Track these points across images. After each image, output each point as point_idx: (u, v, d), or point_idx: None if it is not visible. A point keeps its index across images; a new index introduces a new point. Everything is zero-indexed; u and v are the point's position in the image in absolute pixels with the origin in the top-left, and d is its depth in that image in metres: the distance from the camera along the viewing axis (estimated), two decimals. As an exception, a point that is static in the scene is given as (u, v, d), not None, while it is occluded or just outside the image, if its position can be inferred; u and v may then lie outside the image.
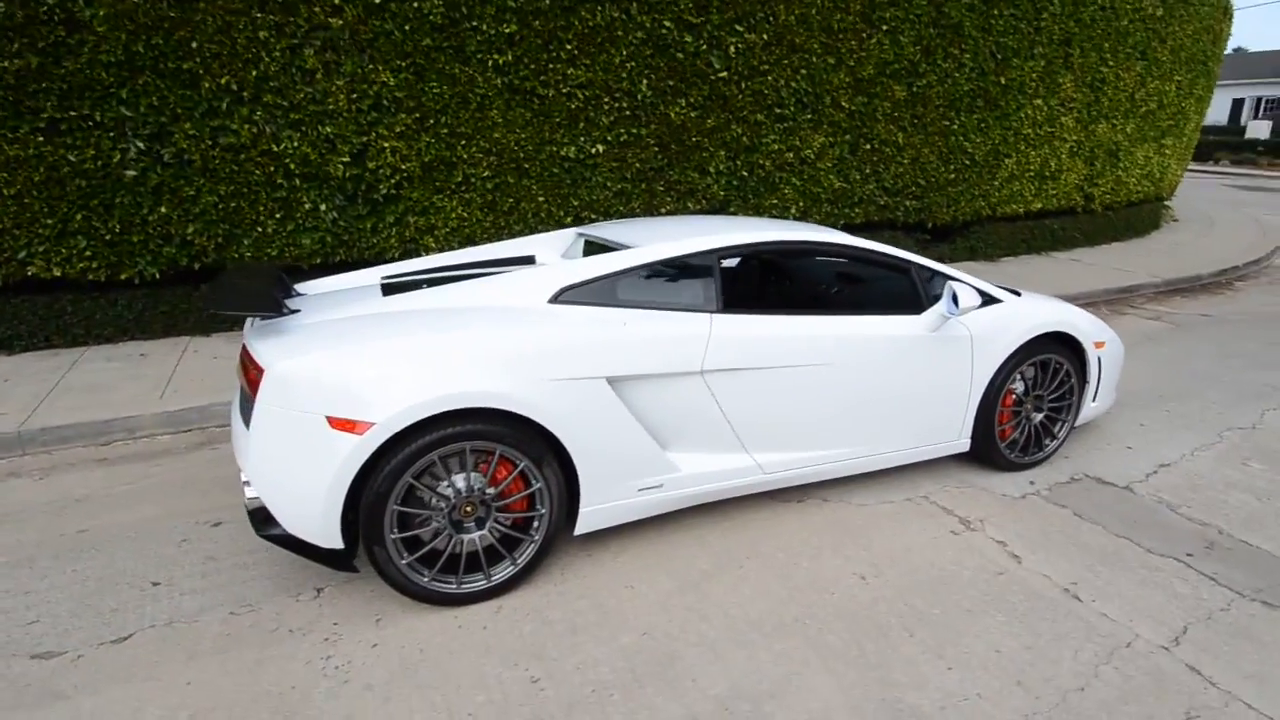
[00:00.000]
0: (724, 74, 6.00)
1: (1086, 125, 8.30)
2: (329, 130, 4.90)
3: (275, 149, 4.80)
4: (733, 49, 5.96)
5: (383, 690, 2.09)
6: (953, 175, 7.60)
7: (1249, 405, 4.32)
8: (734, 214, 6.61)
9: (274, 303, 2.40)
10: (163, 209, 4.67)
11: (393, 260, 5.57)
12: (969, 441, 3.29)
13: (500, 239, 5.77)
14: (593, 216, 6.02)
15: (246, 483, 2.36)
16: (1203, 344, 5.61)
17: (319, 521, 2.24)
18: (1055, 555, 2.77)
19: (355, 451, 2.19)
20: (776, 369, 2.79)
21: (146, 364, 4.69)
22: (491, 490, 2.42)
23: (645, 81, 5.72)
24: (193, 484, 3.38)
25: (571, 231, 3.80)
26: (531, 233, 5.86)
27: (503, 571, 2.49)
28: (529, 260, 3.67)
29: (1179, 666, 2.20)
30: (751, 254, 2.93)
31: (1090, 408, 3.58)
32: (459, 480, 2.37)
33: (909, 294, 3.15)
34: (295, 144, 4.83)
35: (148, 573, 2.66)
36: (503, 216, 5.71)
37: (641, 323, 2.60)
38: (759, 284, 3.24)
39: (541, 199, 5.77)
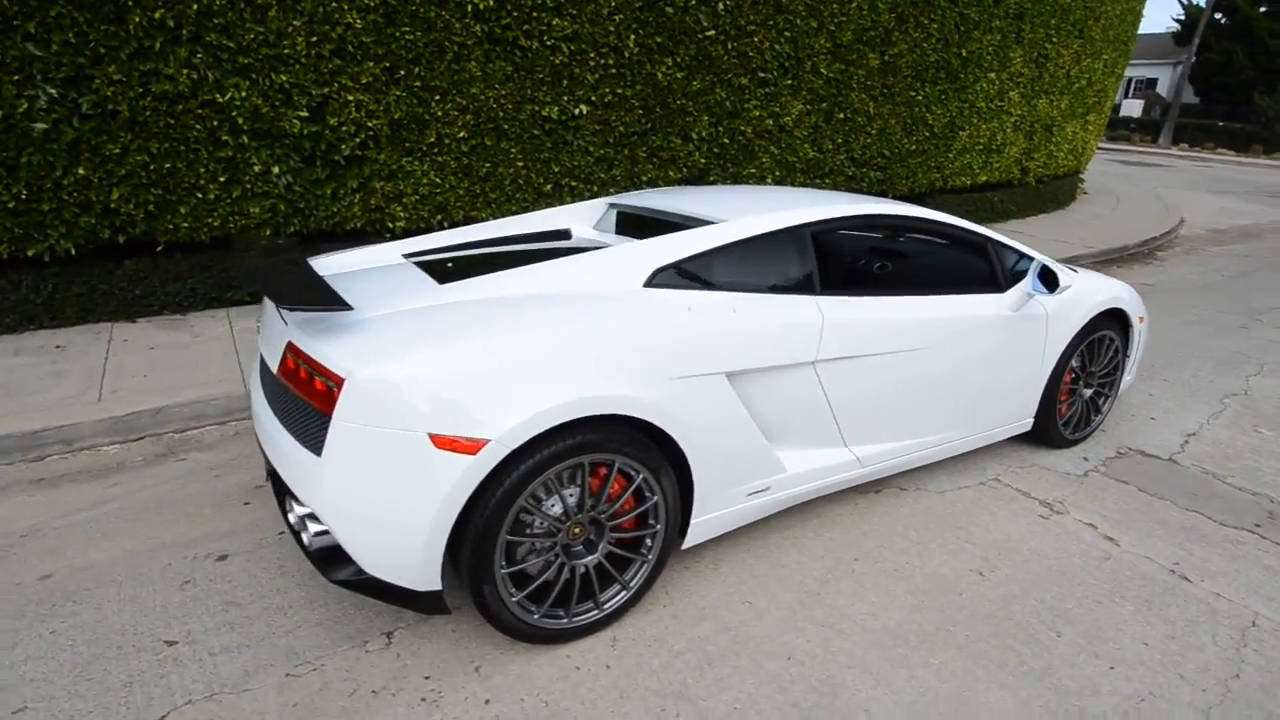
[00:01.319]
0: (711, 32, 5.65)
1: (1030, 100, 8.59)
2: (284, 79, 4.19)
3: (219, 99, 4.04)
4: (721, 6, 5.61)
5: (521, 760, 1.74)
6: (914, 147, 7.65)
7: (1231, 372, 4.57)
8: (714, 183, 6.35)
9: (335, 294, 1.91)
10: (80, 170, 3.84)
11: (354, 232, 4.93)
12: (1032, 421, 3.24)
13: (476, 208, 5.24)
14: (573, 184, 5.57)
15: (308, 516, 1.90)
16: (1163, 313, 5.93)
17: (417, 560, 1.83)
18: (1145, 535, 2.76)
19: (467, 475, 1.79)
20: (881, 355, 2.57)
21: (67, 358, 3.89)
22: (605, 508, 2.08)
23: (633, 37, 5.29)
24: (169, 506, 2.80)
25: (600, 202, 3.41)
26: (508, 201, 5.35)
27: (615, 598, 2.17)
28: (564, 234, 3.25)
29: (1312, 646, 2.21)
30: (833, 229, 2.68)
31: (1125, 381, 3.63)
32: (571, 499, 2.01)
33: (986, 271, 3.01)
34: (243, 94, 4.09)
35: (155, 629, 2.14)
36: (479, 183, 5.17)
37: (751, 309, 2.30)
38: (839, 262, 3.01)
39: (520, 164, 5.26)
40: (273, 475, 2.30)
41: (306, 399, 1.85)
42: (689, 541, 2.31)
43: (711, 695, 1.95)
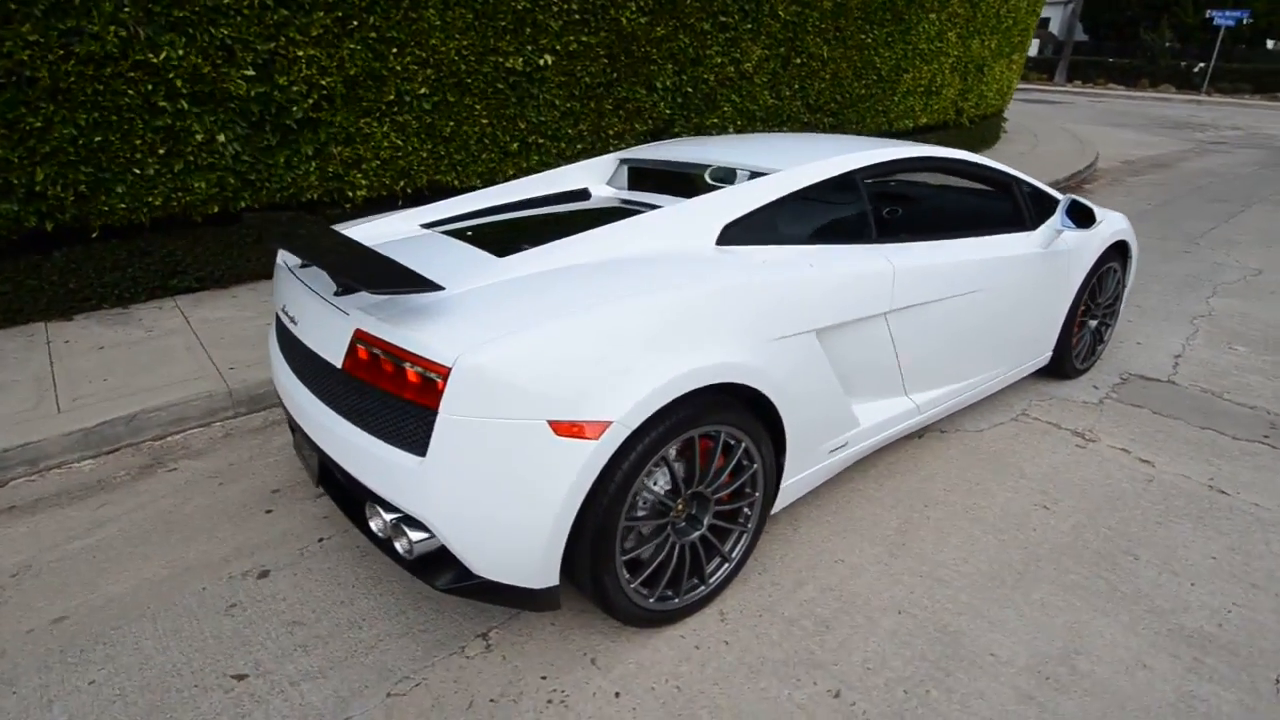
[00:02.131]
0: (673, -26, 5.39)
1: (965, 40, 8.74)
2: (225, 34, 3.69)
3: (153, 60, 3.53)
4: (682, -55, 5.36)
5: (677, 753, 1.65)
6: (863, 91, 7.67)
7: (1190, 295, 4.87)
8: (678, 134, 6.16)
9: (416, 273, 1.68)
10: (-6, 147, 3.29)
11: (311, 204, 4.50)
12: (1051, 355, 3.33)
13: (440, 172, 4.88)
14: (540, 141, 5.27)
15: (402, 522, 1.70)
16: (1108, 242, 6.25)
17: (540, 557, 1.67)
18: (1174, 455, 2.90)
19: (590, 461, 1.63)
20: (940, 301, 2.55)
21: (5, 367, 3.39)
22: (711, 481, 1.97)
23: (596, -20, 4.98)
24: (179, 524, 2.50)
25: (610, 158, 3.21)
26: (474, 162, 5.01)
27: (719, 572, 2.08)
28: (583, 194, 3.04)
29: (1349, 543, 2.39)
30: (880, 174, 2.61)
31: (1120, 311, 3.79)
32: (678, 474, 1.89)
33: (1013, 210, 3.02)
34: (180, 53, 3.59)
35: (215, 663, 1.90)
36: (442, 144, 4.80)
37: (827, 262, 2.21)
38: (881, 208, 2.93)
39: (485, 121, 4.91)
40: (329, 480, 2.07)
41: (394, 393, 1.64)
42: (777, 506, 2.24)
43: (840, 658, 1.91)
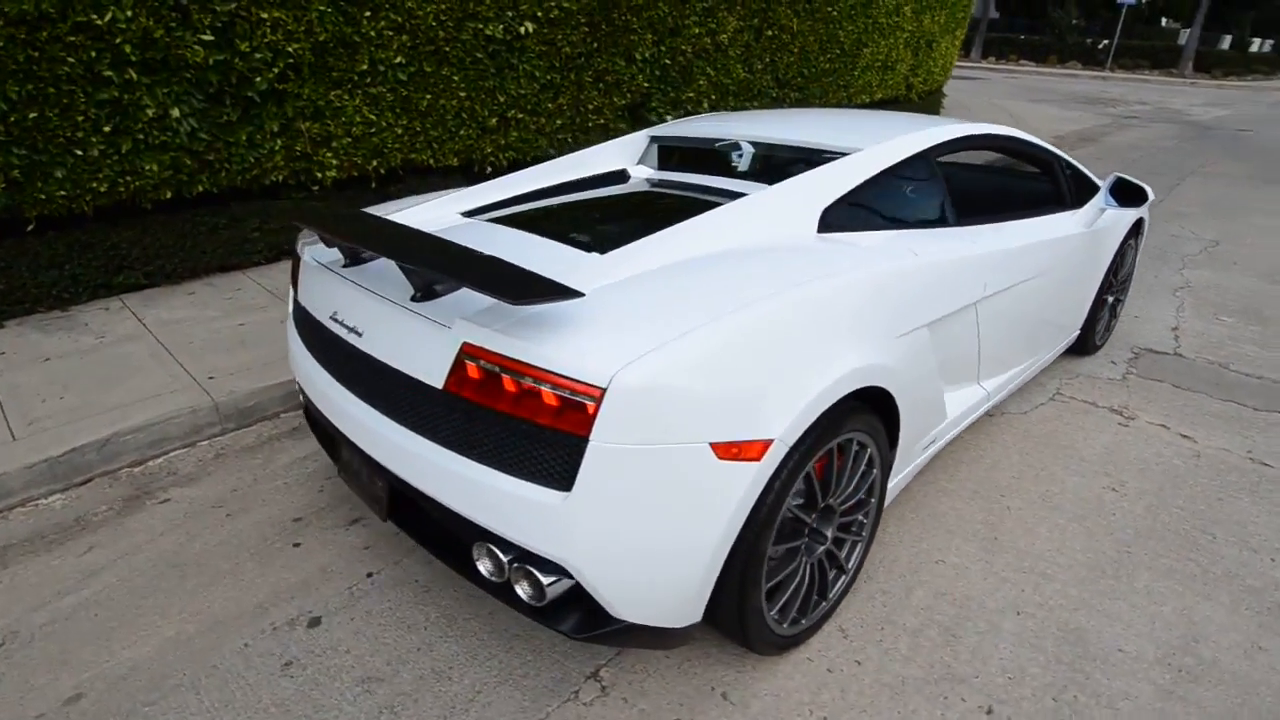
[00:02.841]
0: (653, -62, 5.11)
1: (919, 15, 8.80)
2: (178, -10, 3.20)
3: (97, 21, 3.01)
4: (663, -93, 5.07)
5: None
6: (827, 65, 7.60)
7: (1164, 267, 5.06)
8: (655, 108, 5.92)
9: (555, 283, 1.42)
10: (-98, 124, 2.73)
11: (275, 187, 4.04)
12: (1079, 333, 3.35)
13: (415, 150, 4.48)
14: (520, 116, 4.92)
15: (524, 562, 1.47)
16: (1070, 216, 6.46)
17: (693, 593, 1.49)
18: (1209, 429, 2.96)
19: (752, 486, 1.45)
20: (1014, 286, 2.47)
21: (-69, 387, 2.87)
22: (839, 491, 1.82)
23: (578, -59, 4.64)
24: (191, 568, 2.16)
25: (640, 136, 2.97)
26: (450, 139, 4.63)
27: (837, 585, 1.95)
28: (622, 175, 2.79)
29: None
30: (948, 152, 2.50)
31: (1130, 287, 3.87)
32: (815, 489, 1.73)
33: (1055, 189, 2.99)
34: (128, 13, 3.07)
35: (290, 736, 1.63)
36: (418, 119, 4.39)
37: (926, 249, 2.08)
38: (951, 190, 2.81)
39: (464, 94, 4.53)
40: (404, 513, 1.80)
41: (524, 418, 1.39)
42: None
43: (978, 670, 1.82)
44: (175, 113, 3.38)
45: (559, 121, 5.22)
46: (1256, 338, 3.88)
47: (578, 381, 1.32)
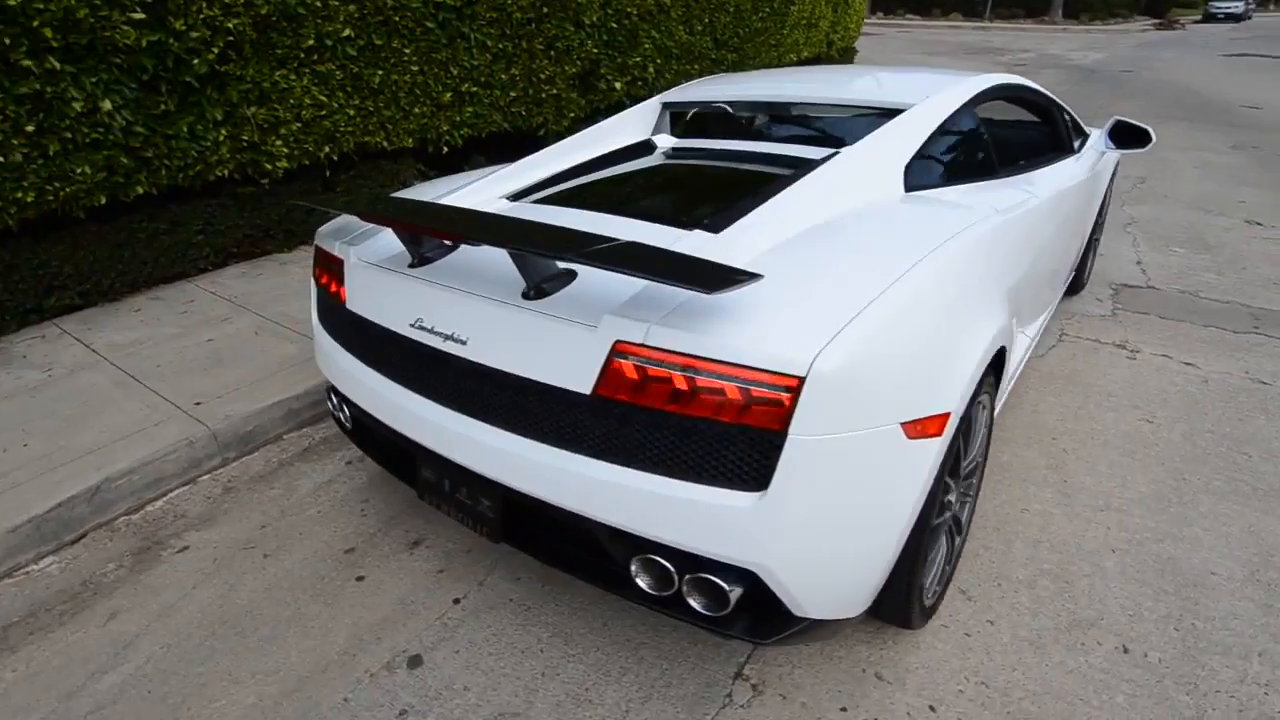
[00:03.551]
0: (597, -107, 4.84)
1: (838, -30, 8.88)
2: (98, -41, 2.74)
3: (9, 1, 2.54)
4: None
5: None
6: (759, 24, 7.55)
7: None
8: (605, 75, 5.70)
9: (732, 268, 1.28)
10: None
11: (220, 183, 3.62)
12: (1074, 272, 3.48)
13: (369, 132, 4.12)
14: (474, 90, 4.61)
15: (698, 571, 1.36)
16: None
17: (875, 581, 1.43)
18: (1205, 355, 3.16)
19: (935, 463, 1.40)
20: (1050, 236, 2.51)
21: None
22: (970, 455, 1.80)
23: (525, -103, 4.33)
24: (246, 620, 1.92)
25: (653, 103, 2.81)
26: (405, 119, 4.29)
27: (957, 549, 1.94)
28: (648, 147, 2.63)
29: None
30: (986, 101, 2.50)
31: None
32: (959, 456, 1.70)
33: (1057, 135, 3.05)
34: (41, -14, 2.61)
35: (438, 793, 1.47)
36: (370, 97, 4.03)
37: (1001, 202, 2.06)
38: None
39: (416, 68, 4.18)
40: (522, 532, 1.64)
41: (702, 418, 1.27)
42: (966, 466, 2.13)
43: (1101, 611, 1.86)
44: (106, 105, 2.93)
45: (513, 94, 4.93)
46: (1209, 265, 4.17)
47: (771, 372, 1.21)
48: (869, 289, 1.35)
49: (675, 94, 2.84)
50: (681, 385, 1.27)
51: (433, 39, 4.19)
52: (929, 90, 2.27)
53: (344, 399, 1.99)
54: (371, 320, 1.75)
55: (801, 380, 1.20)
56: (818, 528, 1.30)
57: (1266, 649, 1.74)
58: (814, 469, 1.25)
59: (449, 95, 4.46)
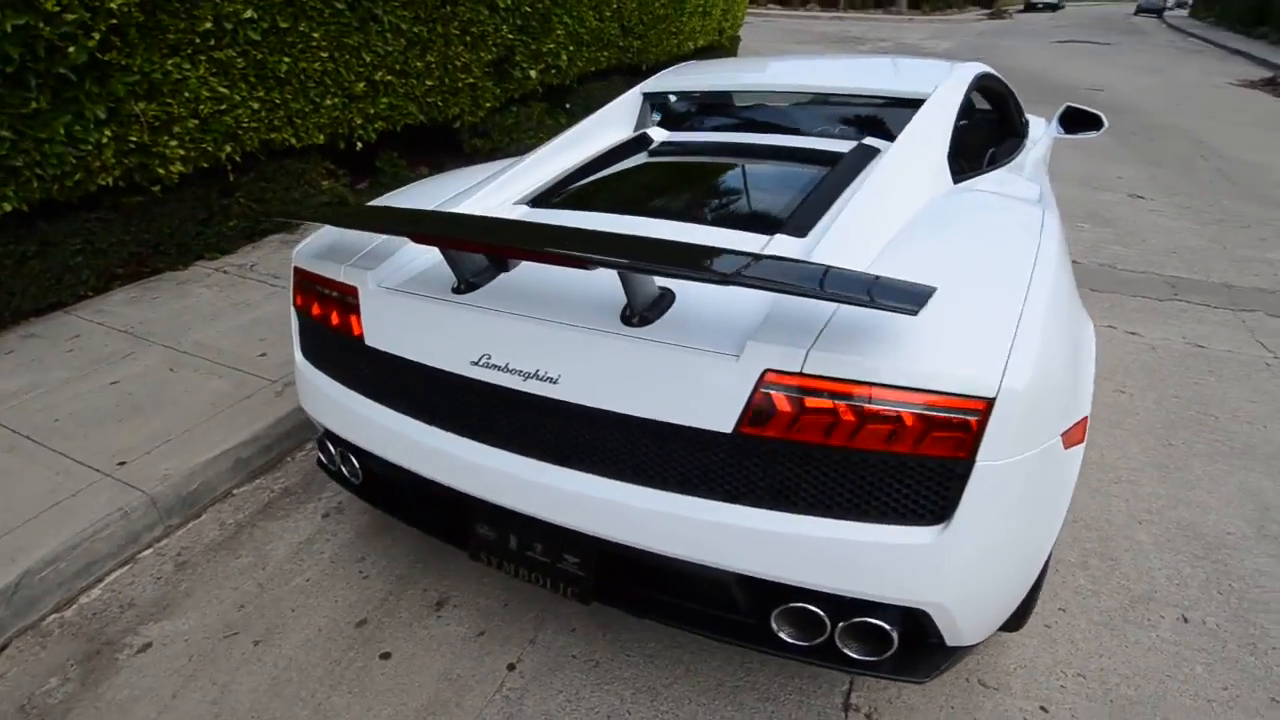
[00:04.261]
0: None
1: (728, -42, 8.91)
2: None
3: None
4: None
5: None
6: (661, 10, 7.43)
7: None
8: (520, 63, 5.37)
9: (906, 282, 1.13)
10: None
11: (105, 193, 3.04)
12: (1018, 253, 3.64)
13: (275, 128, 3.62)
14: (389, 79, 4.17)
15: (854, 615, 1.23)
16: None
17: (1025, 596, 1.37)
18: (1144, 324, 3.39)
19: (1078, 468, 1.34)
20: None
21: None
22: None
23: None
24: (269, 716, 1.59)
25: (633, 95, 2.62)
26: (315, 113, 3.81)
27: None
28: (645, 141, 2.44)
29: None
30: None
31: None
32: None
33: (1013, 122, 3.15)
34: None
35: None
36: (276, 89, 3.53)
37: (1022, 191, 2.07)
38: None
39: (326, 55, 3.72)
40: (622, 592, 1.43)
41: (874, 451, 1.13)
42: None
43: (1153, 585, 1.91)
44: (-46, 101, 2.34)
45: (429, 83, 4.53)
46: (1114, 238, 4.55)
47: (959, 395, 1.09)
48: (1012, 295, 1.27)
49: (655, 83, 2.66)
50: (847, 416, 1.13)
51: (343, 21, 3.74)
52: (934, 79, 2.24)
53: (353, 451, 1.68)
54: (408, 359, 1.47)
55: (991, 402, 1.09)
56: (994, 555, 1.21)
57: (1302, 602, 1.87)
58: (998, 496, 1.15)
59: (362, 85, 4.01)
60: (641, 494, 1.27)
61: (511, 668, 1.72)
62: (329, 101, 3.84)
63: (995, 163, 2.36)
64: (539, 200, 1.88)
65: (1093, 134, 3.23)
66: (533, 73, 5.57)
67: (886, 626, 1.22)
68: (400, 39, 4.15)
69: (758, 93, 2.47)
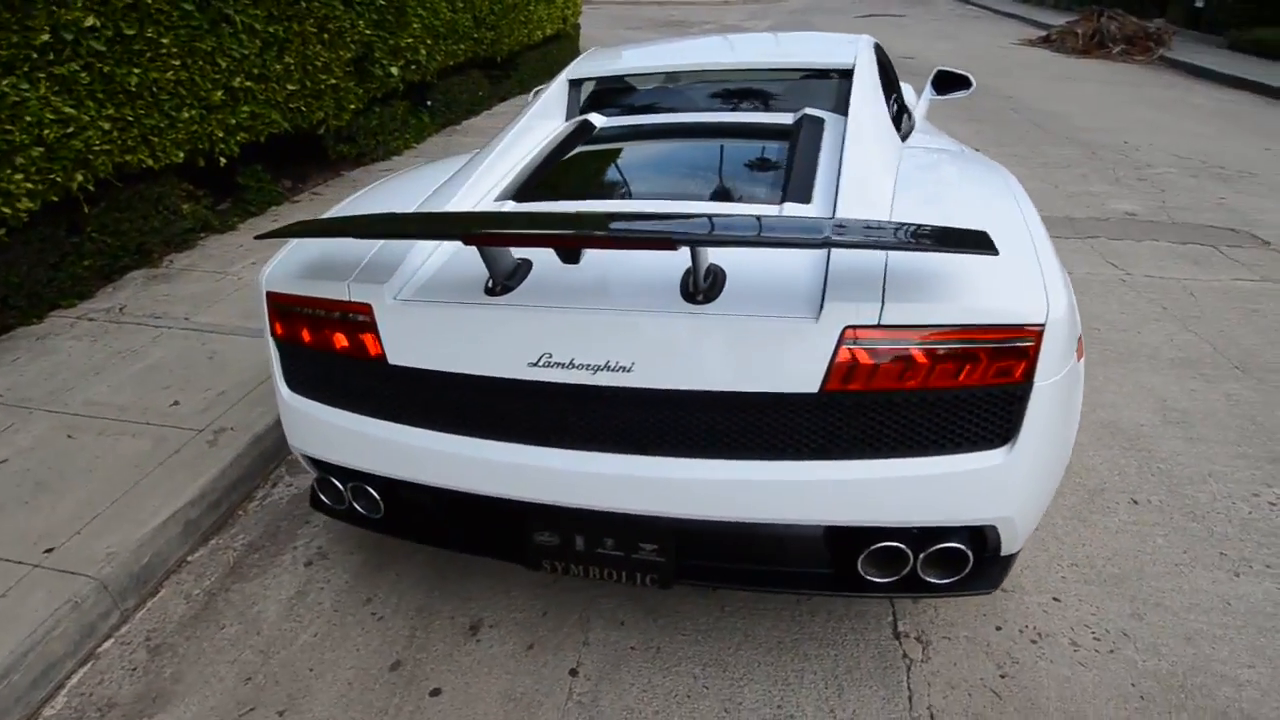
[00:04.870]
0: None
1: (564, -56, 8.84)
2: None
3: None
4: None
5: None
6: (510, 0, 7.26)
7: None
8: (380, 60, 5.06)
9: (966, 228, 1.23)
10: None
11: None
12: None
13: (130, 150, 3.20)
14: (248, 85, 3.79)
15: (935, 542, 1.33)
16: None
17: (1050, 498, 1.53)
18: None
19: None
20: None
21: None
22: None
23: None
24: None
25: (558, 84, 2.58)
26: (171, 129, 3.39)
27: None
28: (588, 127, 2.40)
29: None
30: None
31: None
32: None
33: (897, 87, 3.42)
34: None
35: None
36: (128, 104, 3.10)
37: (954, 145, 2.28)
38: None
39: (178, 62, 3.31)
40: (699, 568, 1.45)
41: (947, 388, 1.23)
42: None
43: (1103, 477, 2.20)
44: None
45: (290, 86, 4.16)
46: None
47: (1017, 326, 1.22)
48: (1019, 232, 1.42)
49: (578, 69, 2.63)
50: (922, 359, 1.22)
51: (193, 24, 3.34)
52: (847, 50, 2.39)
53: (372, 483, 1.56)
54: (446, 371, 1.38)
55: (1042, 329, 1.22)
56: (1045, 465, 1.35)
57: (1212, 470, 2.23)
58: (1048, 411, 1.29)
59: (220, 93, 3.61)
60: (726, 467, 1.30)
61: (574, 673, 1.68)
62: (186, 114, 3.43)
63: (905, 124, 2.56)
64: (521, 194, 1.81)
65: (963, 93, 3.58)
66: (394, 69, 5.27)
67: (963, 548, 1.34)
68: (255, 40, 3.78)
69: (690, 72, 2.51)
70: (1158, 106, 7.45)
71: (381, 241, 1.53)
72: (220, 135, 3.71)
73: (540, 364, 1.31)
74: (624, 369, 1.27)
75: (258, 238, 1.56)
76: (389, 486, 1.56)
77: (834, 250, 1.32)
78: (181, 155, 3.51)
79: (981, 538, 1.37)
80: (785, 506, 1.30)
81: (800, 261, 1.34)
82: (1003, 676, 1.62)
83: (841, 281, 1.25)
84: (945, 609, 1.79)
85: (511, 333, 1.33)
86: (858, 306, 1.21)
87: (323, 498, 1.71)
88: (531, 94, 2.71)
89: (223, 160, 3.81)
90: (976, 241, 1.13)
